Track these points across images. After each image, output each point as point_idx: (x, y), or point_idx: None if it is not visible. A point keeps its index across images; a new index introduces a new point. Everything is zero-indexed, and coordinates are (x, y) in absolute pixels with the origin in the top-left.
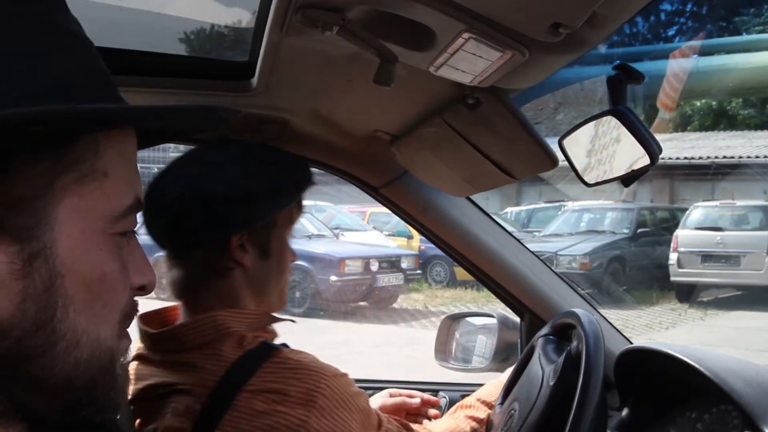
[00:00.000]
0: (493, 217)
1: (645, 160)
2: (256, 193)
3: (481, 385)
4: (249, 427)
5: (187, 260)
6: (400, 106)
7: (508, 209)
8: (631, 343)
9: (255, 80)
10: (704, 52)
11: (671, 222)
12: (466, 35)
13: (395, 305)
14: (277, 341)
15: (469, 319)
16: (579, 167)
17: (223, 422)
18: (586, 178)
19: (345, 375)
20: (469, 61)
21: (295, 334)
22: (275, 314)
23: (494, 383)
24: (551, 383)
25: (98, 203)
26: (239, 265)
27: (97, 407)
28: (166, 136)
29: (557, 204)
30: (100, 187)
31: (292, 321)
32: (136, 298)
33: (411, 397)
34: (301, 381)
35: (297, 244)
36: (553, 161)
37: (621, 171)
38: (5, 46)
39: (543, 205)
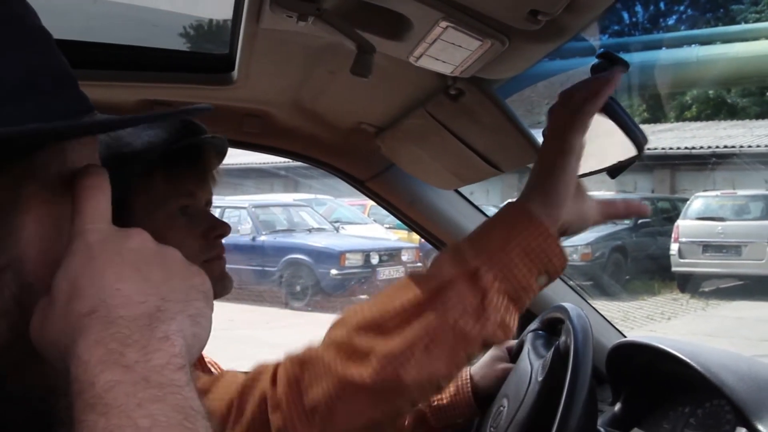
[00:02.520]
0: (490, 208)
1: (631, 151)
2: None
3: None
4: None
5: None
6: (383, 98)
7: (509, 200)
8: (624, 337)
9: (235, 73)
10: (702, 41)
11: (672, 212)
12: (443, 24)
13: None
14: (263, 335)
15: None
16: None
17: None
18: None
19: None
20: (448, 51)
21: (296, 327)
22: None
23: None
24: (540, 379)
25: (67, 211)
26: None
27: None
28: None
29: None
30: (66, 196)
31: None
32: None
33: None
34: None
35: (297, 237)
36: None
37: (607, 162)
38: None
39: None
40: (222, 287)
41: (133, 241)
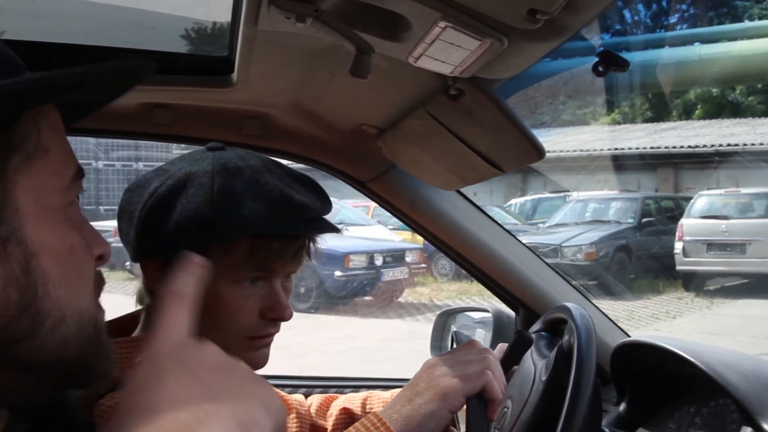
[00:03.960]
0: (493, 209)
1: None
2: (155, 219)
3: None
4: None
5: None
6: (384, 99)
7: (513, 201)
8: (628, 336)
9: (235, 75)
10: (706, 39)
11: (676, 211)
12: (442, 24)
13: (400, 299)
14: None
15: (465, 313)
16: None
17: None
18: None
19: None
20: (447, 51)
21: (300, 329)
22: None
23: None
24: (543, 379)
25: (49, 178)
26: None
27: (91, 377)
28: (86, 108)
29: (562, 194)
30: (46, 164)
31: None
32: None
33: None
34: None
35: None
36: (539, 153)
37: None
38: None
39: (548, 195)
40: (252, 362)
41: (201, 352)
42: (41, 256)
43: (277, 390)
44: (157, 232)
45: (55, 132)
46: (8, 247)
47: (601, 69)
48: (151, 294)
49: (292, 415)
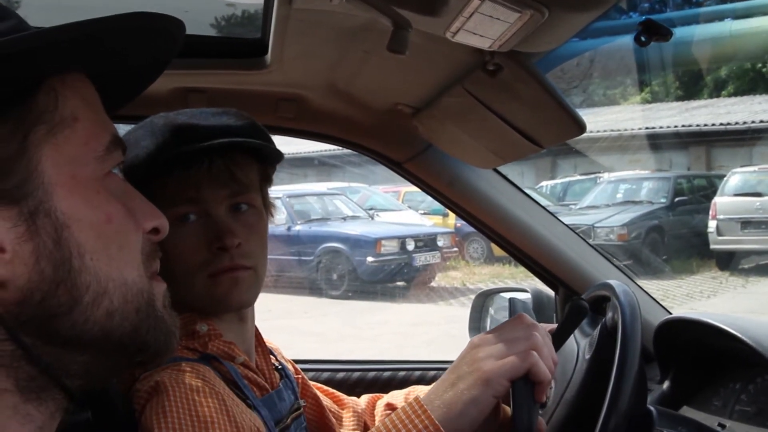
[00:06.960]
0: (525, 190)
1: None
2: None
3: None
4: None
5: None
6: (419, 77)
7: (544, 183)
8: (671, 314)
9: (268, 57)
10: (738, 15)
11: (709, 189)
12: None
13: (433, 284)
14: (301, 324)
15: (503, 294)
16: None
17: None
18: None
19: None
20: (486, 25)
21: (333, 315)
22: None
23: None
24: (587, 357)
25: (78, 148)
26: None
27: (150, 352)
28: (128, 89)
29: (593, 176)
30: (74, 132)
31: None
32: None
33: None
34: None
35: (333, 226)
36: (580, 127)
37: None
38: None
39: (578, 177)
40: (226, 304)
41: None
42: (73, 227)
43: (333, 390)
44: None
45: (84, 101)
46: (37, 220)
47: (643, 39)
48: None
49: (349, 414)
